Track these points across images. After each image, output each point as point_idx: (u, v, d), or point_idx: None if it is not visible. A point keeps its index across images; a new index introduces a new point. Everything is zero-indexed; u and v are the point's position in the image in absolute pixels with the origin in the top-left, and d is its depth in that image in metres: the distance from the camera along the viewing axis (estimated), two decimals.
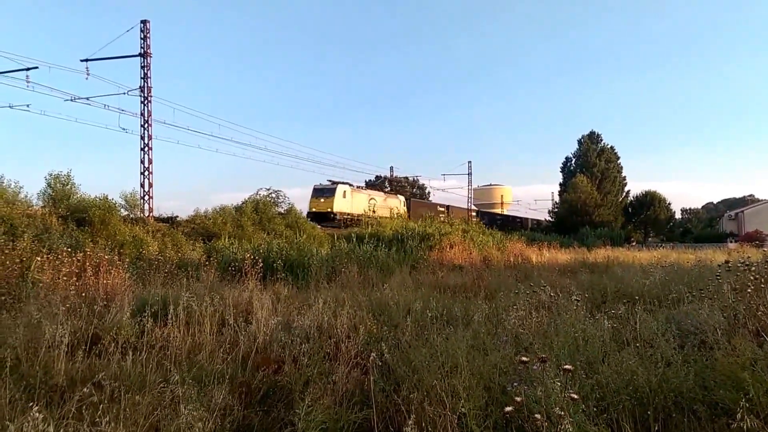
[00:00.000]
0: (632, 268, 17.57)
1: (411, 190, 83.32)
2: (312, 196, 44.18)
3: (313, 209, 42.78)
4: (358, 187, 49.79)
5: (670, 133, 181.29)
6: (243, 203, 30.68)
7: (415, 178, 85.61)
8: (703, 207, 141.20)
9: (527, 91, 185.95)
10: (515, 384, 4.28)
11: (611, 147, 77.31)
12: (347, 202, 44.69)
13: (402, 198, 57.70)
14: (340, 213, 43.43)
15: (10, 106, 29.06)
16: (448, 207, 64.47)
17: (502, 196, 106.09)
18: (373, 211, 45.68)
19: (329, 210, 42.39)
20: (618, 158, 77.42)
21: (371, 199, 49.67)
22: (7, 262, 10.13)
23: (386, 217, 41.65)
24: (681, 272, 13.84)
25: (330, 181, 45.68)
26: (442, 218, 46.34)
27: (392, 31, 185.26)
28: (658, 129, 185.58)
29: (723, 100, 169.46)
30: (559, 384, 3.79)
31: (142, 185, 26.24)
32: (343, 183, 45.66)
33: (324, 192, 44.04)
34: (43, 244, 13.15)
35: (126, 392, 4.60)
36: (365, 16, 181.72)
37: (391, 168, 75.39)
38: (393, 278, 14.02)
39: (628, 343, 6.09)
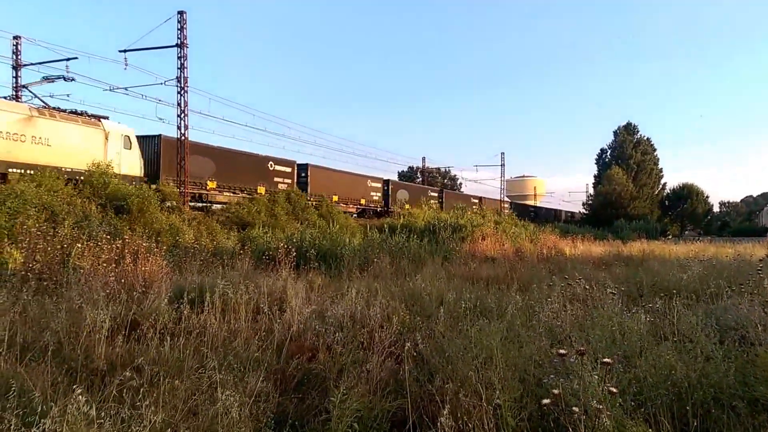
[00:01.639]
0: (669, 261, 17.25)
1: (443, 181, 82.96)
2: None
3: None
4: None
5: (709, 125, 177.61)
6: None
7: (447, 169, 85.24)
8: (742, 200, 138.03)
9: (563, 82, 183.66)
10: (552, 376, 4.25)
11: (648, 138, 76.20)
12: None
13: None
14: None
15: (50, 96, 29.65)
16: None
17: (534, 187, 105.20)
18: None
19: None
20: (654, 150, 76.26)
21: None
22: (49, 249, 10.37)
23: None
24: (720, 267, 13.55)
25: None
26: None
27: (425, 22, 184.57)
28: (696, 120, 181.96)
29: (764, 90, 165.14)
30: (596, 377, 3.75)
31: (179, 174, 26.56)
32: None
33: None
34: (83, 231, 13.43)
35: (165, 377, 4.68)
36: (397, 16, 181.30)
37: (423, 159, 75.01)
38: (425, 269, 13.98)
39: (665, 337, 6.00)
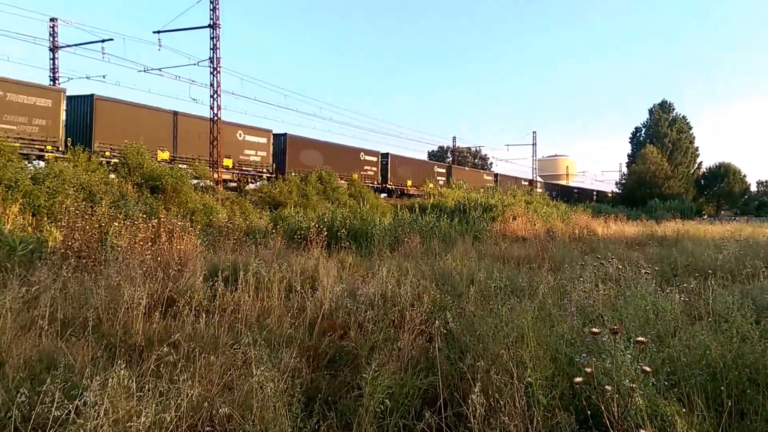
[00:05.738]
0: (704, 242, 16.95)
1: (473, 161, 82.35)
2: None
3: None
4: None
5: (747, 99, 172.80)
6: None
7: (478, 149, 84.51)
8: None
9: (597, 57, 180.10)
10: (584, 355, 4.24)
11: (683, 116, 74.36)
12: None
13: None
14: None
15: (87, 77, 30.25)
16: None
17: (567, 167, 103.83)
18: None
19: None
20: (690, 128, 74.45)
21: None
22: (87, 227, 10.59)
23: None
24: (756, 247, 13.30)
25: None
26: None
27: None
28: (735, 94, 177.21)
29: None
30: (629, 356, 3.73)
31: (212, 155, 26.83)
32: None
33: None
34: (119, 211, 13.69)
35: (200, 353, 4.78)
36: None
37: (454, 138, 74.54)
38: (455, 249, 13.95)
39: (700, 317, 5.93)
